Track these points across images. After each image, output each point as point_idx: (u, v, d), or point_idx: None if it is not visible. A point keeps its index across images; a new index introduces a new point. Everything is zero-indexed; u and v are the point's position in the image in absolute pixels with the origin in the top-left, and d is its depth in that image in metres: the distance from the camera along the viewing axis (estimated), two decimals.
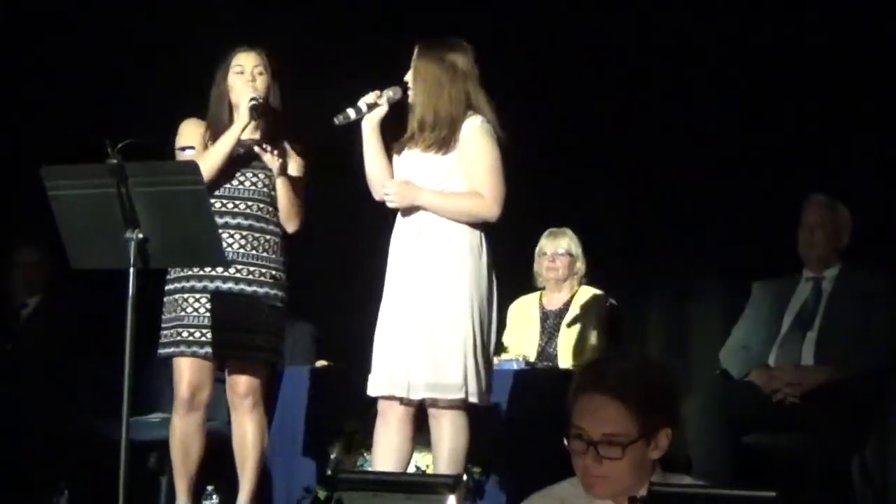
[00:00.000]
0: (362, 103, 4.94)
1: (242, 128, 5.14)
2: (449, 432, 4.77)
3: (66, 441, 6.38)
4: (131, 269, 4.39)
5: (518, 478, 5.37)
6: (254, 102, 5.13)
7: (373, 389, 4.89)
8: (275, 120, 5.29)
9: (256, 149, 5.20)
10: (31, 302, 7.09)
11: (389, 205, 4.92)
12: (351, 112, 4.91)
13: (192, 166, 4.69)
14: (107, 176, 4.38)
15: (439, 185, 4.87)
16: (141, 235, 4.39)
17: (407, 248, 4.90)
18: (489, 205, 4.86)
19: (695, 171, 6.90)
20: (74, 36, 7.44)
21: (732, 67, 6.75)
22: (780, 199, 6.14)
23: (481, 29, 7.05)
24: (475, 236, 4.88)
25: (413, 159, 4.92)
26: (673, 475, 3.20)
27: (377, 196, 5.02)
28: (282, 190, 5.21)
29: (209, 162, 5.07)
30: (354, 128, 5.00)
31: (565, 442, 3.11)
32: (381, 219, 5.04)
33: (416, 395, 4.78)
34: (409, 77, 4.93)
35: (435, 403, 4.78)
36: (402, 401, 4.82)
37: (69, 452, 6.31)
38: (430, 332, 4.77)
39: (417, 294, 4.81)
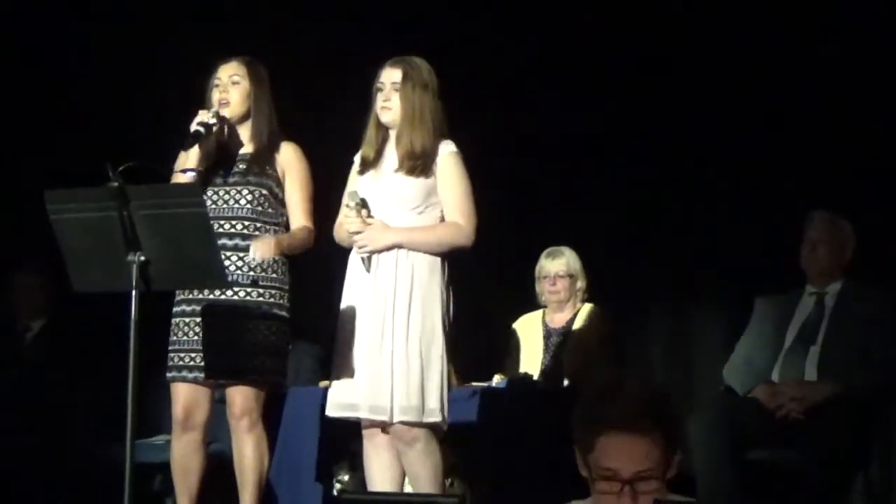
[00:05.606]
0: None
1: (191, 162, 5.06)
2: (424, 454, 4.74)
3: (70, 464, 6.38)
4: (133, 292, 4.38)
5: (505, 497, 5.37)
6: (196, 129, 5.02)
7: (333, 410, 4.85)
8: (257, 127, 5.18)
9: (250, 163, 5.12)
10: (35, 325, 7.07)
11: (362, 252, 4.83)
12: None
13: (193, 189, 4.70)
14: (109, 199, 4.36)
15: (417, 209, 4.84)
16: (143, 258, 4.37)
17: (371, 271, 4.85)
18: (469, 233, 4.84)
19: (697, 186, 6.89)
20: (76, 58, 7.44)
21: (733, 83, 6.75)
22: (783, 214, 6.13)
23: (482, 42, 7.13)
24: (439, 258, 4.85)
25: (384, 180, 4.87)
26: (675, 496, 3.18)
27: None
28: (293, 246, 5.14)
29: None
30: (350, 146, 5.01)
31: (590, 480, 3.05)
32: None
33: (395, 418, 4.72)
34: (388, 98, 4.84)
35: (408, 429, 4.73)
36: (383, 425, 4.78)
37: (73, 475, 6.30)
38: (407, 356, 4.72)
39: (391, 318, 4.76)
